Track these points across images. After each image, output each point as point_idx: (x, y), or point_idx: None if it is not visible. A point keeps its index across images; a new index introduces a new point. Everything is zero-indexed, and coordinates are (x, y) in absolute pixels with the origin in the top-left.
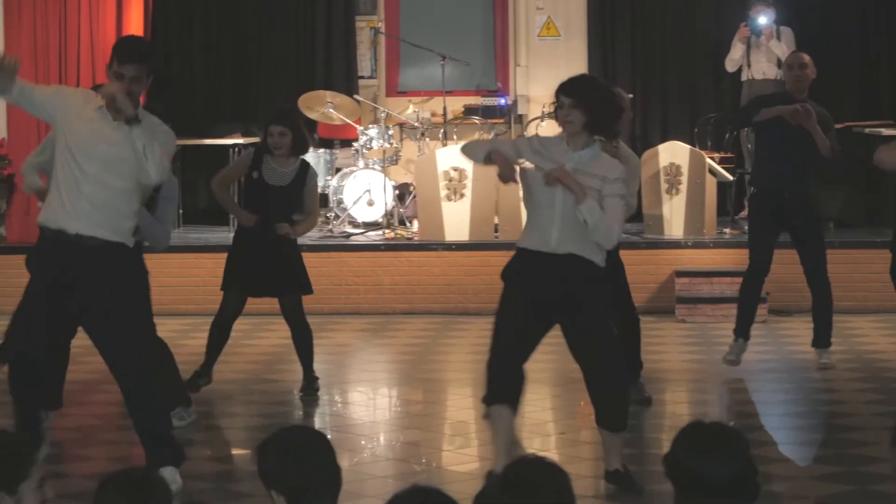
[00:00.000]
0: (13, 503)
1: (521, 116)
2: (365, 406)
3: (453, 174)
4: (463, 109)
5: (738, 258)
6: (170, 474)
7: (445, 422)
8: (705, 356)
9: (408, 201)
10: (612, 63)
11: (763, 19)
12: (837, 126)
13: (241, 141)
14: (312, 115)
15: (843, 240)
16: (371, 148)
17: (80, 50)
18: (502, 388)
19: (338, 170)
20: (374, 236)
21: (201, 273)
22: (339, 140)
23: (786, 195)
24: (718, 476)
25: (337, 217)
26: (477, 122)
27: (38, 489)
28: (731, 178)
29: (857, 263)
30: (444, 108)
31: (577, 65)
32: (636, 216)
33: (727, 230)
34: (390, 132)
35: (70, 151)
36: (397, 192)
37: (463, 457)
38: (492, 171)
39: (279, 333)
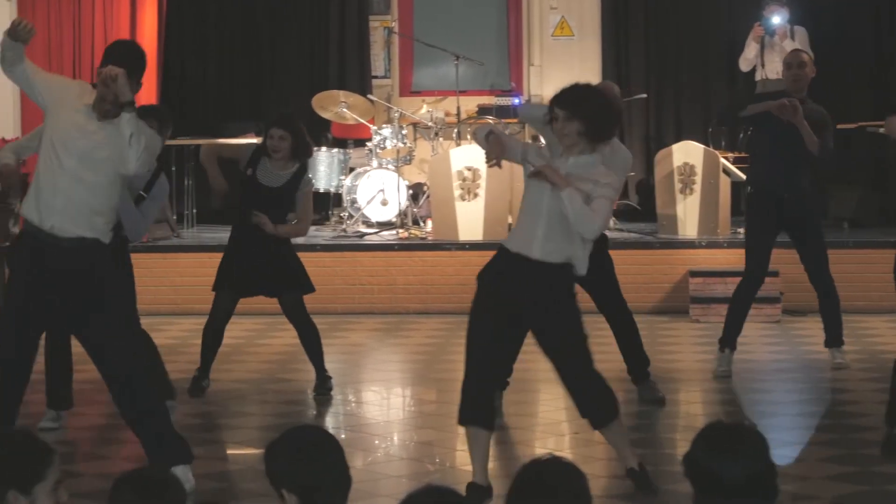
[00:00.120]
0: (28, 503)
1: None
2: (379, 406)
3: (467, 174)
4: (477, 109)
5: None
6: (182, 473)
7: None
8: None
9: (421, 201)
10: (626, 63)
11: (777, 19)
12: (850, 126)
13: (254, 140)
14: (326, 115)
15: (857, 239)
16: (385, 148)
17: (94, 48)
18: (475, 412)
19: (351, 169)
20: (387, 236)
21: (215, 273)
22: (352, 140)
23: (784, 195)
24: (737, 476)
25: (351, 217)
26: (491, 121)
27: (52, 492)
28: (745, 177)
29: (870, 263)
30: (458, 108)
31: (591, 64)
32: (650, 216)
33: (741, 230)
34: (404, 132)
35: (52, 144)
36: (411, 191)
37: None
38: (505, 171)
39: (293, 333)
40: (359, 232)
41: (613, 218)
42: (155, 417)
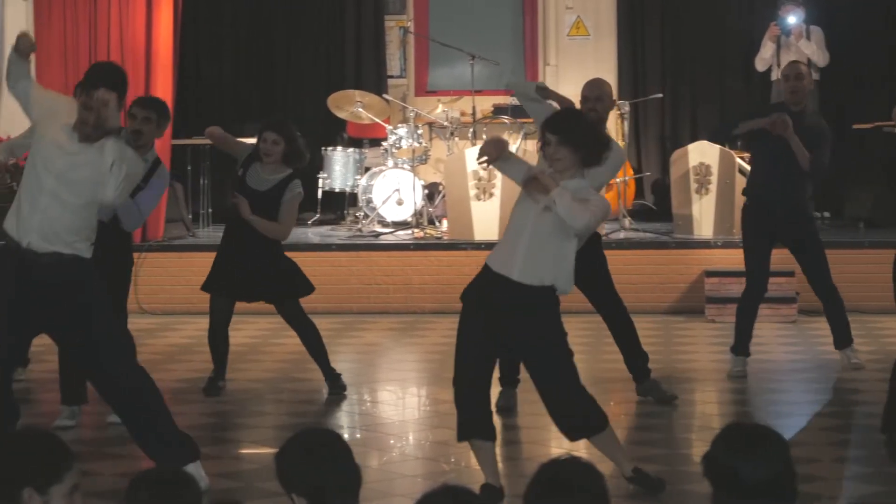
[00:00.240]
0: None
1: None
2: (394, 405)
3: (482, 173)
4: (492, 109)
5: (775, 258)
6: (195, 471)
7: None
8: None
9: (437, 201)
10: (642, 62)
11: (792, 18)
12: (866, 126)
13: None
14: (342, 115)
15: (873, 240)
16: (400, 147)
17: (110, 50)
18: (472, 426)
19: (367, 169)
20: (403, 235)
21: None
22: (368, 139)
23: (778, 209)
24: (756, 477)
25: (366, 216)
26: (506, 121)
27: (69, 495)
28: None
29: (886, 263)
30: (474, 108)
31: (607, 65)
32: (665, 216)
33: None
34: (419, 131)
35: (34, 161)
36: (426, 191)
37: None
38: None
39: None
40: (374, 231)
41: (629, 218)
42: (154, 418)
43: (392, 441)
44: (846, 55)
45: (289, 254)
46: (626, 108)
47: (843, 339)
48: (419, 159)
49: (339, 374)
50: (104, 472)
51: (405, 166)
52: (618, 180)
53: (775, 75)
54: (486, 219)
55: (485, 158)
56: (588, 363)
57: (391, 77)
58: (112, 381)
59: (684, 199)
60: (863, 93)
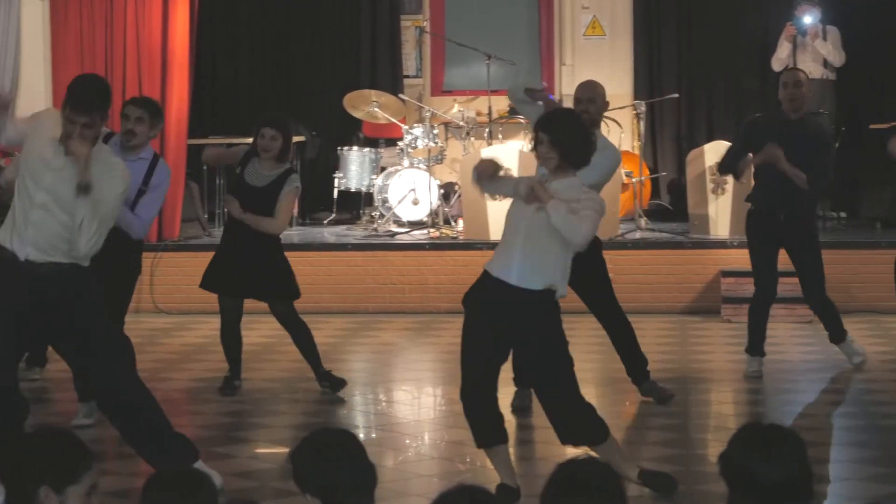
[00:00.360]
0: (59, 503)
1: None
2: (410, 405)
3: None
4: (508, 109)
5: (783, 258)
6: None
7: None
8: None
9: (453, 200)
10: (658, 62)
11: (808, 18)
12: (883, 125)
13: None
14: (357, 114)
15: (890, 239)
16: (416, 147)
17: (126, 50)
18: (488, 433)
19: (383, 169)
20: (419, 235)
21: None
22: (384, 139)
23: (781, 218)
24: (773, 478)
25: (382, 216)
26: (522, 121)
27: (85, 496)
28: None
29: None
30: (489, 108)
31: (623, 64)
32: (681, 216)
33: None
34: (435, 131)
35: (24, 176)
36: (442, 191)
37: None
38: (534, 169)
39: (324, 332)
40: (390, 231)
41: (645, 218)
42: (151, 430)
43: (408, 441)
44: (862, 55)
45: (304, 254)
46: (643, 109)
47: (837, 335)
48: (435, 159)
49: (329, 371)
50: (120, 471)
51: (421, 166)
52: (634, 180)
53: None
54: (502, 219)
55: (476, 180)
56: (603, 364)
57: (407, 77)
58: (109, 394)
59: (700, 199)
60: (879, 92)
